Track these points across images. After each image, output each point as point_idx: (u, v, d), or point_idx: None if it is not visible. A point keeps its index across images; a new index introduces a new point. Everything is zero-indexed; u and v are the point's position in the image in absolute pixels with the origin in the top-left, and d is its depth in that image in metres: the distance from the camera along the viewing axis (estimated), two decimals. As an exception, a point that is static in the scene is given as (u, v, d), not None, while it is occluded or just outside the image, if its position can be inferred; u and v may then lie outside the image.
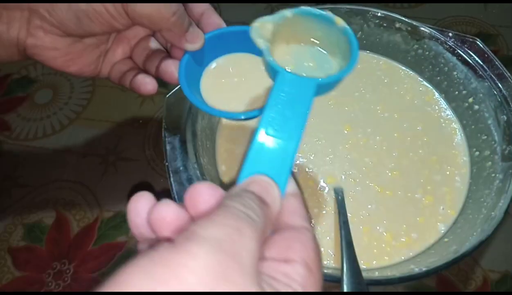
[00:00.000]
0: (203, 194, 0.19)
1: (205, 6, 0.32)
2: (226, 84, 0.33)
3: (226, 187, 0.40)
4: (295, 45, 0.31)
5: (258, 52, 0.29)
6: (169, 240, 0.17)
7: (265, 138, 0.23)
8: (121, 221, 0.43)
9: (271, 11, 0.60)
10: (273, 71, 0.27)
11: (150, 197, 0.20)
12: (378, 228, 0.37)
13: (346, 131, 0.42)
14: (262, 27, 0.29)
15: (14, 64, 0.56)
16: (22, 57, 0.31)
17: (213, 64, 0.33)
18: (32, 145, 0.49)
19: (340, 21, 0.29)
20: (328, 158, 0.41)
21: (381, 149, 0.41)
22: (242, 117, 0.30)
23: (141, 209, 0.20)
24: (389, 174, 0.40)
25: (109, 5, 0.28)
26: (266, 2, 0.62)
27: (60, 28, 0.29)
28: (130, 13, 0.28)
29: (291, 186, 0.22)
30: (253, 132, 0.24)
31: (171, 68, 0.31)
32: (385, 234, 0.37)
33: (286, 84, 0.25)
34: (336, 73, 0.28)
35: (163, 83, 0.53)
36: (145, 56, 0.33)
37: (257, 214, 0.18)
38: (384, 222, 0.37)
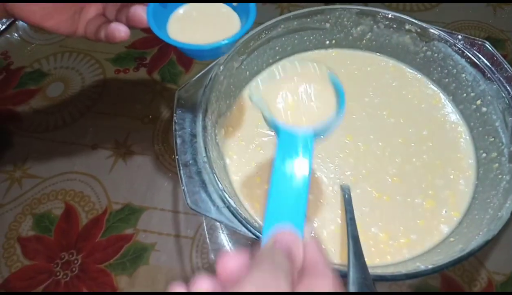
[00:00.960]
0: (231, 261, 0.21)
1: None
2: (191, 27, 0.35)
3: (235, 182, 0.41)
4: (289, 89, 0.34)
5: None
6: None
7: (279, 186, 0.26)
8: (129, 213, 0.44)
9: (281, 12, 0.61)
10: (274, 126, 0.30)
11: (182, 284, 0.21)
12: (372, 229, 0.38)
13: (347, 141, 0.43)
14: (256, 88, 0.33)
15: (27, 57, 0.57)
16: (3, 15, 0.33)
17: (179, 10, 0.36)
18: (43, 137, 0.50)
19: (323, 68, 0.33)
20: (326, 163, 0.41)
21: (383, 154, 0.41)
22: (207, 48, 0.33)
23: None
24: (389, 180, 0.40)
25: None
26: (276, 2, 0.62)
27: None
28: None
29: (307, 230, 0.24)
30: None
31: (139, 12, 0.33)
32: (380, 235, 0.37)
33: (288, 139, 0.29)
34: (331, 120, 0.31)
35: (173, 79, 0.54)
36: (115, 10, 0.36)
37: (287, 268, 0.20)
38: (379, 224, 0.38)
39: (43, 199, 0.45)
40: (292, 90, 0.33)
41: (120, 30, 0.34)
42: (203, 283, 0.20)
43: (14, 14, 0.32)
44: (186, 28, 0.35)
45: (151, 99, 0.53)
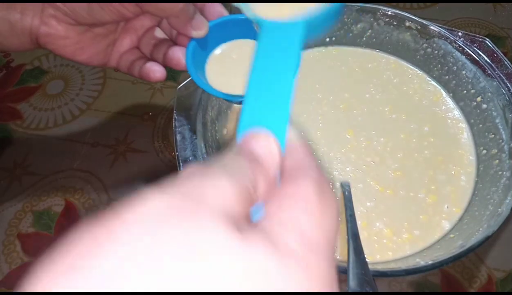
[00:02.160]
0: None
1: None
2: (229, 69, 0.33)
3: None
4: None
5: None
6: None
7: (258, 86, 0.21)
8: (129, 210, 0.44)
9: (281, 9, 0.61)
10: (255, 20, 0.25)
11: None
12: (377, 224, 0.37)
13: (348, 136, 0.43)
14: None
15: (27, 55, 0.57)
16: (34, 46, 0.32)
17: (217, 50, 0.34)
18: (43, 134, 0.50)
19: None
20: (327, 159, 0.41)
21: (385, 149, 0.41)
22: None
23: None
24: (392, 174, 0.40)
25: None
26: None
27: (72, 17, 0.30)
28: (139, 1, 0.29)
29: (292, 135, 0.19)
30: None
31: (178, 55, 0.32)
32: (385, 230, 0.37)
33: (271, 32, 0.23)
34: (326, 9, 0.24)
35: (173, 77, 0.54)
36: (152, 45, 0.34)
37: (238, 167, 0.15)
38: (384, 219, 0.38)
39: (43, 196, 0.45)
40: None
41: (156, 71, 0.33)
42: None
43: (46, 47, 0.32)
44: (224, 69, 0.34)
45: (151, 96, 0.53)
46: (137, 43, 0.35)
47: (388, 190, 0.39)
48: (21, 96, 0.53)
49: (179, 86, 0.40)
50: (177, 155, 0.37)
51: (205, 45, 0.33)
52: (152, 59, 0.34)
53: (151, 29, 0.35)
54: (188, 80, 0.41)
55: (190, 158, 0.36)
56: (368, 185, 0.39)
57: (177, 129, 0.38)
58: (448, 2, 0.62)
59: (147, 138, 0.49)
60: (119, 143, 0.49)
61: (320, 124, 0.44)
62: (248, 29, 0.32)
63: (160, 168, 0.47)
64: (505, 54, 0.56)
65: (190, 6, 0.31)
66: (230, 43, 0.34)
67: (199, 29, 0.31)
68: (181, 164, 0.36)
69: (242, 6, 0.26)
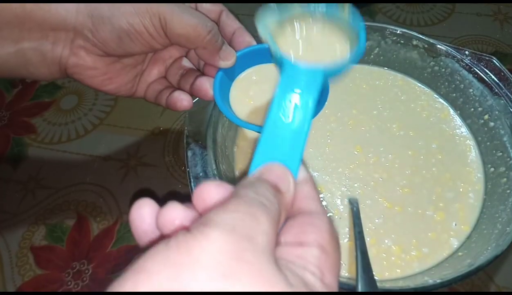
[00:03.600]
0: (210, 191, 0.19)
1: (237, 25, 0.34)
2: (252, 94, 0.34)
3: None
4: (303, 22, 0.31)
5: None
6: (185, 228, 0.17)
7: (276, 125, 0.23)
8: (139, 224, 0.45)
9: (290, 26, 0.62)
10: (280, 60, 0.27)
11: (152, 203, 0.20)
12: (386, 241, 0.38)
13: (356, 152, 0.43)
14: (268, 19, 0.30)
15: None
16: (62, 76, 0.33)
17: (241, 75, 0.35)
18: (57, 148, 0.51)
19: (346, 8, 0.29)
20: (335, 175, 0.42)
21: (393, 166, 0.42)
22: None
23: (146, 215, 0.19)
24: (400, 191, 0.40)
25: (149, 25, 0.30)
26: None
27: (102, 48, 0.31)
28: (169, 33, 0.30)
29: (302, 172, 0.22)
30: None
31: (205, 85, 0.33)
32: (393, 247, 0.37)
33: (294, 72, 0.25)
34: (344, 60, 0.28)
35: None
36: (179, 75, 0.36)
37: (270, 200, 0.18)
38: (392, 236, 0.38)
39: (56, 209, 0.46)
40: (305, 25, 0.30)
41: (183, 100, 0.34)
42: (173, 211, 0.18)
43: (73, 77, 0.33)
44: (246, 96, 0.35)
45: (162, 111, 0.54)
46: (165, 73, 0.36)
47: (397, 207, 0.39)
48: (36, 111, 0.54)
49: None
50: (188, 170, 0.37)
51: (232, 73, 0.35)
52: (179, 88, 0.35)
53: (179, 59, 0.36)
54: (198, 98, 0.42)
55: (201, 174, 0.37)
56: (376, 201, 0.40)
57: (188, 145, 0.39)
58: (448, 2, 0.63)
59: (158, 153, 0.50)
60: (130, 158, 0.50)
61: (329, 140, 0.44)
62: (269, 55, 0.33)
63: (171, 182, 0.48)
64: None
65: (219, 36, 0.32)
66: (252, 68, 0.36)
67: (227, 60, 0.32)
68: (191, 180, 0.36)
69: (272, 45, 0.28)
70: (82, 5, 0.30)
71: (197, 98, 0.41)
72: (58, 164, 0.50)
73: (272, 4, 0.30)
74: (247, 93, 0.35)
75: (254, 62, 0.35)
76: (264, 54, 0.34)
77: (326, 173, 0.42)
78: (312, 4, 0.30)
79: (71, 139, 0.52)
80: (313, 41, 0.30)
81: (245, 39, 0.34)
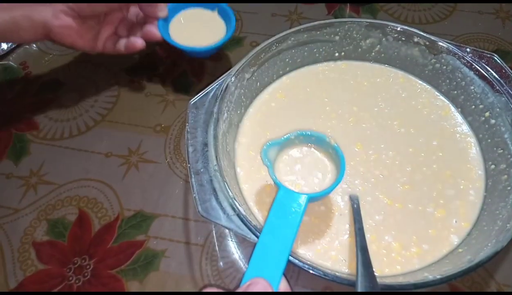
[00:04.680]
0: None
1: None
2: (188, 29, 0.54)
3: (245, 190, 0.42)
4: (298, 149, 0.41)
5: (207, 6, 0.55)
6: None
7: (265, 243, 0.30)
8: (140, 220, 0.45)
9: (290, 25, 0.62)
10: (276, 184, 0.35)
11: None
12: (386, 237, 0.38)
13: (357, 149, 0.43)
14: (269, 150, 0.38)
15: (44, 67, 0.58)
16: (44, 37, 0.46)
17: (175, 20, 0.55)
18: (59, 145, 0.51)
19: (332, 141, 0.38)
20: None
21: (393, 163, 0.42)
22: (199, 50, 0.52)
23: None
24: (400, 188, 0.40)
25: None
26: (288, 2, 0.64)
27: (77, 11, 0.45)
28: None
29: (283, 283, 0.29)
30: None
31: (153, 29, 0.50)
32: (394, 244, 0.37)
33: (285, 197, 0.33)
34: (326, 189, 0.35)
35: (185, 89, 0.56)
36: (126, 30, 0.51)
37: None
38: (393, 232, 0.38)
39: (57, 205, 0.46)
40: (299, 156, 0.40)
41: (137, 41, 0.49)
42: None
43: (54, 38, 0.46)
44: (184, 33, 0.54)
45: (164, 108, 0.54)
46: (115, 30, 0.51)
47: (397, 203, 0.39)
48: (38, 107, 0.54)
49: (191, 99, 0.41)
50: (189, 166, 0.38)
51: (167, 19, 0.53)
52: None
53: (123, 20, 0.51)
54: (200, 94, 0.42)
55: (202, 170, 0.37)
56: (377, 198, 0.40)
57: (189, 141, 0.39)
58: (448, 2, 0.63)
59: (159, 149, 0.50)
60: (131, 154, 0.50)
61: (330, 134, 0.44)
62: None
63: (172, 179, 0.48)
64: (514, 69, 0.56)
65: None
66: (185, 12, 0.56)
67: (163, 11, 0.51)
68: (192, 176, 0.36)
69: (270, 173, 0.36)
70: None
71: (198, 96, 0.42)
72: (60, 160, 0.50)
73: (273, 141, 0.38)
74: (185, 34, 0.53)
75: (184, 7, 0.56)
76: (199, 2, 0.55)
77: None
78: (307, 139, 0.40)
79: (72, 135, 0.52)
80: (304, 173, 0.40)
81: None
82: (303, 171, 0.40)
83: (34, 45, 0.62)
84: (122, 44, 0.50)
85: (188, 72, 0.57)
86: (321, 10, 0.64)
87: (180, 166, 0.49)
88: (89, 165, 0.49)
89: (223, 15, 0.55)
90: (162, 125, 0.52)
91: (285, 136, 0.39)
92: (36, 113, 0.54)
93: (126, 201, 0.46)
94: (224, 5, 0.54)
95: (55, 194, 0.47)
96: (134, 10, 0.52)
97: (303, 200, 0.33)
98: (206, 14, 0.55)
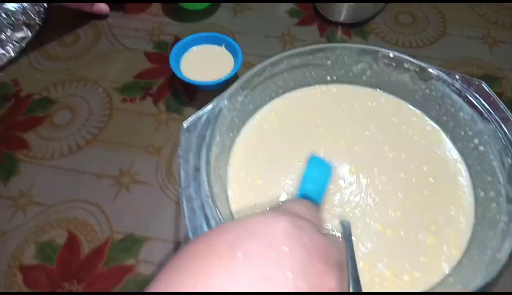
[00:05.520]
0: None
1: None
2: (198, 65, 0.57)
3: (236, 213, 0.42)
4: None
5: (215, 42, 0.59)
6: None
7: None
8: (131, 243, 0.44)
9: (283, 47, 0.63)
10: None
11: None
12: (379, 265, 0.38)
13: (349, 174, 0.43)
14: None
15: (36, 85, 0.58)
16: None
17: (186, 55, 0.58)
18: (49, 164, 0.51)
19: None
20: (327, 196, 0.42)
21: (385, 189, 0.42)
22: (211, 84, 0.54)
23: None
24: (392, 214, 0.40)
25: None
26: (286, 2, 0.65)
27: None
28: None
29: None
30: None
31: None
32: (386, 272, 0.37)
33: (316, 163, 0.37)
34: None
35: (178, 109, 0.55)
36: None
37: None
38: (385, 260, 0.38)
39: (46, 227, 0.46)
40: None
41: (102, 7, 0.64)
42: None
43: None
44: (195, 68, 0.57)
45: (156, 128, 0.54)
46: None
47: (389, 230, 0.39)
48: (29, 125, 0.54)
49: (183, 124, 0.41)
50: (181, 192, 0.37)
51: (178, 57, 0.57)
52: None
53: None
54: (193, 117, 0.42)
55: (194, 196, 0.37)
56: (369, 225, 0.40)
57: (181, 166, 0.39)
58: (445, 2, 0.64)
59: (151, 170, 0.50)
60: (123, 175, 0.50)
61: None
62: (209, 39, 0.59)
63: (163, 201, 0.48)
64: (501, 94, 0.57)
65: None
66: (197, 47, 0.59)
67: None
68: (184, 202, 0.36)
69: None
70: None
71: (191, 119, 0.42)
72: (50, 180, 0.49)
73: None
74: (196, 65, 0.57)
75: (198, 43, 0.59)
76: (208, 39, 0.59)
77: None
78: None
79: (63, 155, 0.51)
80: None
81: None
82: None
83: (26, 61, 0.62)
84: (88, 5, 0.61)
85: (181, 91, 0.58)
86: (314, 32, 0.65)
87: (172, 188, 0.49)
88: (79, 186, 0.49)
89: (230, 49, 0.58)
90: (154, 145, 0.52)
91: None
92: (27, 131, 0.54)
93: (116, 223, 0.46)
94: (230, 40, 0.57)
95: (44, 215, 0.46)
96: None
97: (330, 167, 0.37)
98: (214, 49, 0.58)
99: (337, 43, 0.63)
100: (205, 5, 0.67)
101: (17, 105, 0.56)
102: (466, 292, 0.37)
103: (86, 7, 0.63)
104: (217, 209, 0.36)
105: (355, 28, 0.65)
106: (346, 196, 0.42)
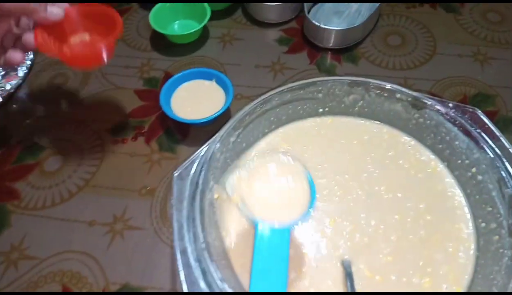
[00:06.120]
0: None
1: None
2: (189, 101, 0.56)
3: (232, 258, 0.41)
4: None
5: (205, 77, 0.57)
6: None
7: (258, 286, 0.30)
8: (127, 295, 0.43)
9: (274, 75, 0.63)
10: (252, 221, 0.34)
11: None
12: None
13: (330, 224, 0.42)
14: (237, 183, 0.36)
15: (24, 131, 0.57)
16: None
17: (176, 93, 0.57)
18: (41, 214, 0.49)
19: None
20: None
21: (376, 232, 0.41)
22: (203, 121, 0.52)
23: None
24: (383, 259, 0.39)
25: None
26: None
27: None
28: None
29: None
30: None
31: (29, 38, 0.42)
32: None
33: (265, 232, 0.32)
34: (301, 215, 0.34)
35: (171, 148, 0.55)
36: (13, 40, 0.44)
37: None
38: None
39: (40, 282, 0.44)
40: (269, 181, 0.36)
41: (15, 55, 0.43)
42: None
43: None
44: (186, 105, 0.55)
45: (149, 169, 0.53)
46: (1, 40, 0.43)
47: (377, 276, 0.38)
48: (19, 174, 0.53)
49: (175, 173, 0.40)
50: (175, 245, 0.36)
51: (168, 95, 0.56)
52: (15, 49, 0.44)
53: (10, 30, 0.43)
54: (185, 164, 0.41)
55: (189, 249, 0.36)
56: (357, 269, 0.39)
57: (174, 217, 0.38)
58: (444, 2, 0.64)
59: (145, 214, 0.49)
60: (116, 221, 0.48)
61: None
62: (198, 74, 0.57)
63: (158, 246, 0.46)
64: (495, 113, 0.57)
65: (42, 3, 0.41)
66: (187, 84, 0.57)
67: (57, 13, 0.43)
68: (178, 257, 0.35)
69: (241, 207, 0.35)
70: None
71: (183, 166, 0.41)
72: (42, 231, 0.48)
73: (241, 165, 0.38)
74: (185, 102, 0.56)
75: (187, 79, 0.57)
76: (197, 74, 0.57)
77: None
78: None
79: (55, 204, 0.50)
80: (276, 196, 0.36)
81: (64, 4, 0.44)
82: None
83: (15, 105, 0.61)
84: (2, 58, 0.44)
85: (173, 128, 0.57)
86: (303, 59, 0.64)
87: (167, 232, 0.48)
88: (72, 236, 0.48)
89: (221, 83, 0.56)
90: (148, 188, 0.51)
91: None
92: (17, 181, 0.53)
93: (111, 273, 0.45)
94: (220, 74, 0.56)
95: (37, 269, 0.45)
96: (25, 20, 0.44)
97: (285, 232, 0.33)
98: (204, 84, 0.57)
99: (327, 71, 0.63)
100: (194, 37, 0.67)
101: (7, 154, 0.55)
102: (465, 292, 0.36)
103: None
104: (213, 262, 0.35)
105: (345, 53, 0.65)
106: (337, 239, 0.41)
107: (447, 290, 0.37)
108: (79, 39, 0.47)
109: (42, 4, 0.41)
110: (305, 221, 0.35)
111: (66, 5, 0.44)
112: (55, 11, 0.42)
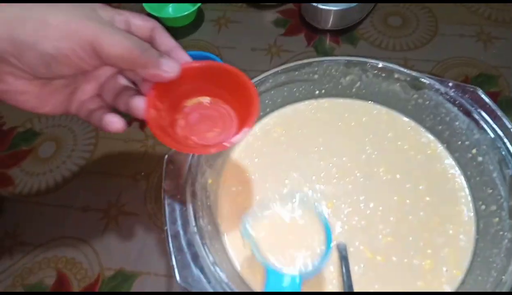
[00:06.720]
0: None
1: (172, 43, 0.33)
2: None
3: (229, 247, 0.40)
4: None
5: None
6: None
7: None
8: (122, 280, 0.43)
9: (271, 58, 0.61)
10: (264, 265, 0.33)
11: None
12: (370, 290, 0.36)
13: (340, 204, 0.41)
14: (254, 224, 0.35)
15: (19, 117, 0.57)
16: None
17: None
18: (35, 200, 0.49)
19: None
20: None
21: (375, 214, 0.40)
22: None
23: None
24: (382, 240, 0.38)
25: (77, 48, 0.28)
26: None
27: (30, 73, 0.29)
28: (101, 56, 0.28)
29: None
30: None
31: (141, 105, 0.31)
32: None
33: (276, 279, 0.32)
34: (314, 268, 0.33)
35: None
36: (114, 93, 0.33)
37: None
38: (376, 286, 0.36)
39: (34, 268, 0.44)
40: (282, 223, 0.36)
41: (114, 122, 0.32)
42: None
43: (8, 102, 0.31)
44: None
45: (143, 155, 0.52)
46: (99, 91, 0.34)
47: (379, 256, 0.37)
48: (13, 161, 0.53)
49: (167, 155, 0.39)
50: (166, 229, 0.36)
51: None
52: (114, 107, 0.33)
53: (114, 77, 0.34)
54: (177, 147, 0.40)
55: (180, 232, 0.35)
56: (358, 250, 0.38)
57: (166, 201, 0.37)
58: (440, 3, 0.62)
59: (140, 200, 0.48)
60: (111, 207, 0.48)
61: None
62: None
63: (153, 231, 0.46)
64: (498, 94, 0.55)
65: (155, 52, 0.30)
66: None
67: (172, 71, 0.31)
68: (170, 240, 0.35)
69: (255, 252, 0.34)
70: (1, 30, 0.28)
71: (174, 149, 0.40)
72: (37, 218, 0.48)
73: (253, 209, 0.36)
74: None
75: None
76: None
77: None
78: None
79: (50, 190, 0.50)
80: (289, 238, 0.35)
81: (182, 57, 0.32)
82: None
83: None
84: (97, 116, 0.33)
85: (168, 114, 0.56)
86: (301, 42, 0.63)
87: (162, 217, 0.46)
88: (66, 222, 0.47)
89: None
90: (142, 173, 0.51)
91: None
92: (11, 167, 0.52)
93: (106, 259, 0.44)
94: (216, 58, 0.52)
95: (31, 256, 0.45)
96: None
97: (296, 281, 0.32)
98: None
99: (325, 53, 0.61)
100: (189, 20, 0.65)
101: (1, 140, 0.55)
102: (465, 292, 0.35)
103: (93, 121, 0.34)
104: (205, 246, 0.34)
105: (344, 35, 0.63)
106: (334, 221, 0.40)
107: (447, 274, 0.36)
108: (197, 102, 0.35)
109: (156, 54, 0.31)
110: (317, 273, 0.34)
111: (184, 58, 0.33)
112: (172, 65, 0.31)
